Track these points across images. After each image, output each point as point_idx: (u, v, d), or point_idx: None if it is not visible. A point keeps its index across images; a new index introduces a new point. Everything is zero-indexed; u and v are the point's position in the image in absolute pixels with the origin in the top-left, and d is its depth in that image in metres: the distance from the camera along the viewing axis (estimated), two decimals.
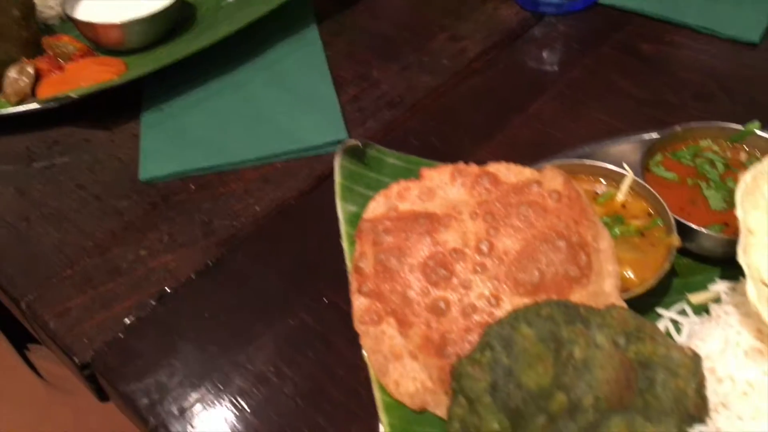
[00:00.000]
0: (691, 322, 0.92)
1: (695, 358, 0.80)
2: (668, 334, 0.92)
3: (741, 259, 0.78)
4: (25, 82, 1.35)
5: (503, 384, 0.73)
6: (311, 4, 1.59)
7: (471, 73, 1.43)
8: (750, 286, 0.76)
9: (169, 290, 1.08)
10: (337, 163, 1.03)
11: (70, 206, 1.23)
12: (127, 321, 1.04)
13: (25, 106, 1.32)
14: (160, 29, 1.46)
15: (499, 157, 1.03)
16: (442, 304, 0.85)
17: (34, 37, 1.42)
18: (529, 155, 1.12)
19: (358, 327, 0.89)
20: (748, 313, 0.81)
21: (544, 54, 1.48)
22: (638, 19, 1.49)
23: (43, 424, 1.27)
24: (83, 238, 1.17)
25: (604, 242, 0.88)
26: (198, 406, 0.93)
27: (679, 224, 0.97)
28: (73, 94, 1.28)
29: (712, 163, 1.07)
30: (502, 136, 1.28)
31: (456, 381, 0.75)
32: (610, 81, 1.38)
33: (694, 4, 1.47)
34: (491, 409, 0.72)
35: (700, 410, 0.79)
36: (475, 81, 1.41)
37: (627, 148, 1.16)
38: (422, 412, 0.85)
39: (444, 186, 0.96)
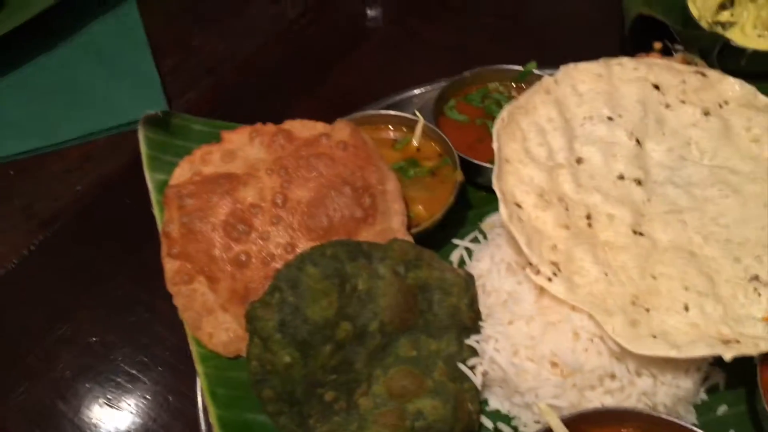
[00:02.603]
0: (481, 248, 1.03)
1: (467, 278, 0.91)
2: (462, 260, 1.03)
3: (495, 185, 0.88)
4: None
5: (291, 320, 0.80)
6: None
7: (290, 34, 1.47)
8: (502, 208, 0.86)
9: None
10: (141, 135, 1.06)
11: None
12: None
13: None
14: None
15: (316, 114, 1.09)
16: (243, 257, 0.92)
17: None
18: (344, 108, 1.19)
19: (171, 288, 0.94)
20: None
21: (361, 9, 1.54)
22: None
23: None
24: None
25: (390, 184, 0.97)
26: (23, 385, 0.96)
27: (466, 162, 1.07)
28: None
29: (498, 103, 1.18)
30: (318, 93, 1.34)
31: (249, 323, 0.81)
32: (419, 30, 1.46)
33: None
34: (281, 344, 0.80)
35: (473, 322, 0.90)
36: (294, 41, 1.46)
37: (429, 94, 1.25)
38: (236, 358, 0.92)
39: (244, 147, 1.01)
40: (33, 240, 1.13)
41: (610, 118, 0.97)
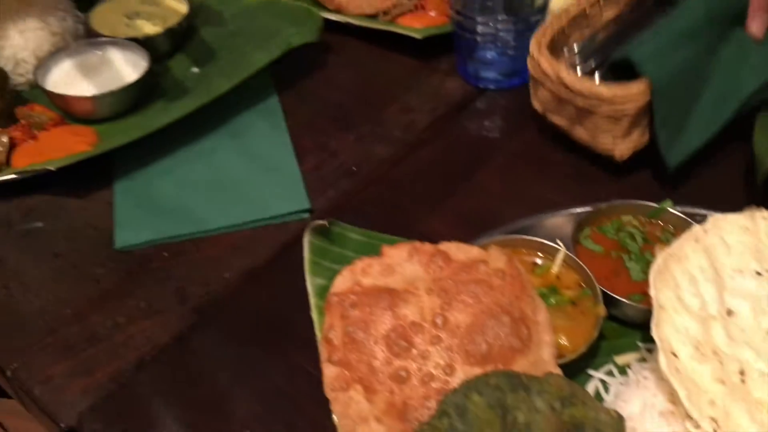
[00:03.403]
0: (617, 382, 1.07)
1: (619, 419, 0.94)
2: (597, 392, 1.07)
3: (654, 333, 0.93)
4: None
5: None
6: (271, 76, 1.71)
7: (420, 144, 1.57)
8: (662, 357, 0.91)
9: (147, 357, 1.16)
10: (306, 241, 1.15)
11: (48, 274, 1.30)
12: (108, 387, 1.12)
13: (1, 176, 1.39)
14: (130, 100, 1.55)
15: (446, 227, 1.16)
16: (403, 373, 0.97)
17: (8, 106, 1.49)
18: (474, 225, 1.28)
19: (329, 393, 1.00)
20: (662, 377, 0.96)
21: (487, 126, 1.64)
22: None
23: None
24: (62, 305, 1.24)
25: (542, 315, 1.02)
26: None
27: (605, 294, 1.12)
28: (51, 167, 1.36)
29: (632, 237, 1.23)
30: (448, 206, 1.41)
31: None
32: (544, 153, 1.53)
33: None
34: None
35: None
36: (424, 151, 1.55)
37: (560, 221, 1.31)
38: None
39: (402, 263, 1.08)
40: (186, 322, 1.21)
41: (758, 273, 1.01)
